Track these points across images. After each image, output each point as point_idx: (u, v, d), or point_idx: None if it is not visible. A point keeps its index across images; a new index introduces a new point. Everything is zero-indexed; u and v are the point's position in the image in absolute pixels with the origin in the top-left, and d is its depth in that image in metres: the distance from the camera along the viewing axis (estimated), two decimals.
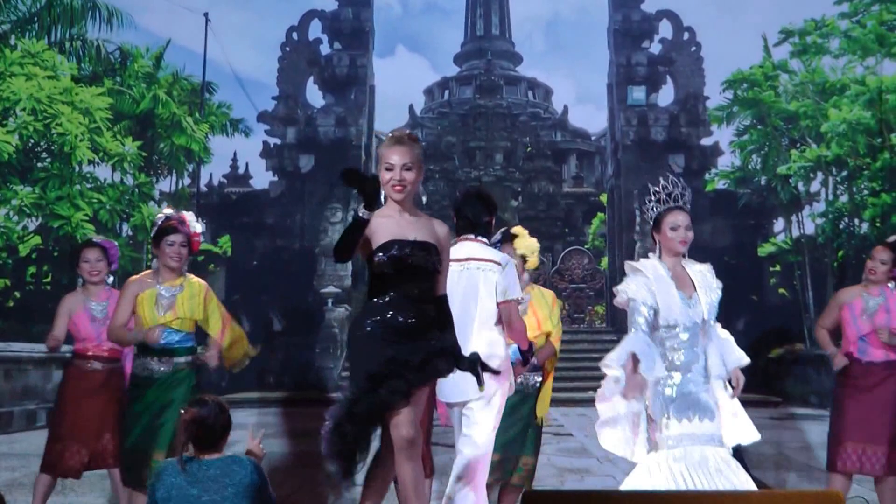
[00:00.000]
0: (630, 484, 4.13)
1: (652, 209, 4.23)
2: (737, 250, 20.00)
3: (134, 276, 5.23)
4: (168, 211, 5.29)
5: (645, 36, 22.49)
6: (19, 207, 14.57)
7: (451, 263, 4.77)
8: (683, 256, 4.24)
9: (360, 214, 3.68)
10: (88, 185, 15.54)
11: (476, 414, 4.55)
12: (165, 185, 18.48)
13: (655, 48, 22.53)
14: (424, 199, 23.39)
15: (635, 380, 3.98)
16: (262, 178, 22.60)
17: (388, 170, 3.86)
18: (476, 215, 4.85)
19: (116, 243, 6.04)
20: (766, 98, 18.90)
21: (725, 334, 4.31)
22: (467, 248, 4.77)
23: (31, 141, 14.83)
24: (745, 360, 4.23)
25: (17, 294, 16.52)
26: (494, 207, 4.98)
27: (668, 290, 4.10)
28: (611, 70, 22.75)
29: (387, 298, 3.83)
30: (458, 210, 4.92)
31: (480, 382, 3.95)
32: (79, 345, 5.59)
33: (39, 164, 15.20)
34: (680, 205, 4.19)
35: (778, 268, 20.16)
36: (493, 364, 4.22)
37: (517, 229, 5.31)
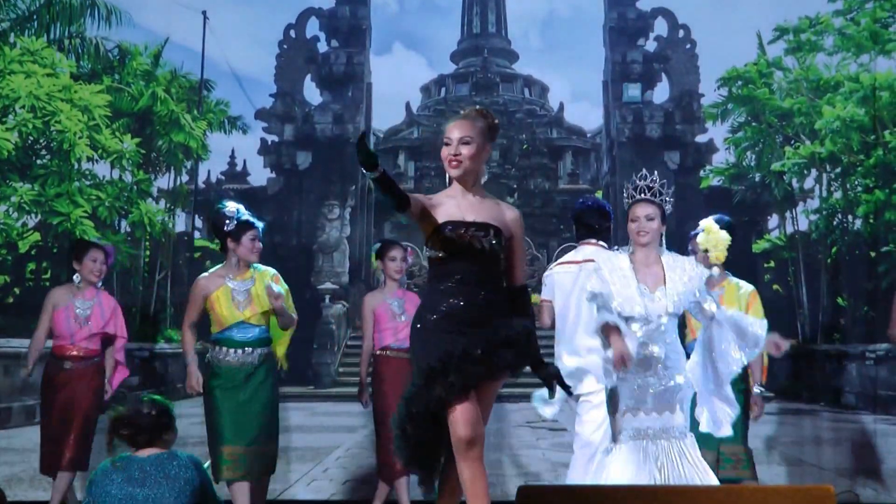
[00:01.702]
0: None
1: (625, 205, 4.31)
2: (731, 246, 19.96)
3: (203, 275, 5.16)
4: (234, 203, 5.20)
5: (640, 33, 22.52)
6: (19, 204, 14.59)
7: (569, 266, 5.01)
8: (644, 247, 4.22)
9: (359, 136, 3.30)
10: (87, 182, 15.56)
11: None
12: (164, 181, 18.48)
13: (650, 45, 22.57)
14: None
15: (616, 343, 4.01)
16: (259, 174, 22.54)
17: (446, 144, 3.64)
18: (597, 221, 5.06)
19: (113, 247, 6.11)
20: (761, 95, 18.94)
21: (731, 319, 4.18)
22: (585, 252, 4.97)
23: (31, 138, 14.85)
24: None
25: (17, 290, 16.55)
26: (610, 215, 5.15)
27: (627, 284, 4.13)
28: (606, 67, 22.77)
29: (448, 284, 3.57)
30: (577, 217, 5.11)
31: (551, 392, 3.73)
32: (54, 342, 5.54)
33: (39, 162, 15.21)
34: (646, 197, 4.21)
35: (772, 264, 20.19)
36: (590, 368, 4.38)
37: (706, 222, 5.35)
